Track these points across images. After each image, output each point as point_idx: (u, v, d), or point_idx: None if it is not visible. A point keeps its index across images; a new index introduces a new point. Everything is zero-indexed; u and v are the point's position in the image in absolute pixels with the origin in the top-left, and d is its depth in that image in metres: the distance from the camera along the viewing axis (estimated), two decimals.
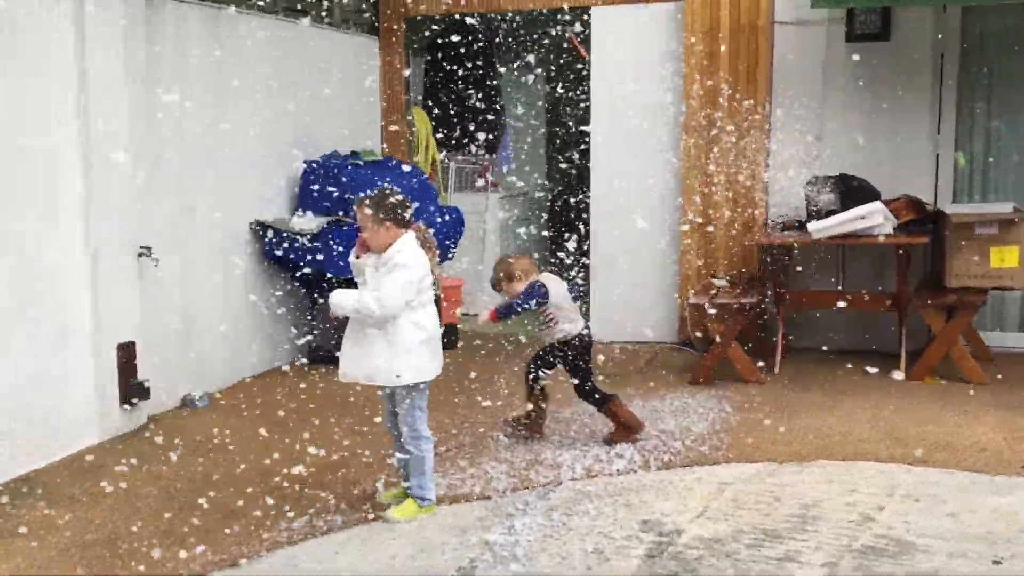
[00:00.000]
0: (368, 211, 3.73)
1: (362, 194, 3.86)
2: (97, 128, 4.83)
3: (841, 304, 6.36)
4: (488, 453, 4.67)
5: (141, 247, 5.18)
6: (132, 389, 5.08)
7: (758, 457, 4.52)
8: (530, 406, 4.87)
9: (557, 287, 4.72)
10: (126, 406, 5.07)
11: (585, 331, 4.75)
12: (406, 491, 3.97)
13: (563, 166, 9.57)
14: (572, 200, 9.25)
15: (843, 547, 3.51)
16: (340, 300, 3.77)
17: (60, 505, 4.09)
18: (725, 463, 4.46)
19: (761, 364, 6.05)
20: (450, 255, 7.08)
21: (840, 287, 6.55)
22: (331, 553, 3.59)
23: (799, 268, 6.43)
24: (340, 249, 5.98)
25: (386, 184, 4.14)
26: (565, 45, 8.54)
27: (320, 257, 5.96)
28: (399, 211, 3.77)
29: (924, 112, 6.45)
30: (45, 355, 4.65)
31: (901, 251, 6.02)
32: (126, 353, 5.07)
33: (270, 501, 4.04)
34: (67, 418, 4.78)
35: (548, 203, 9.58)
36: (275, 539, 3.70)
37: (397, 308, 3.70)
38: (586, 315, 7.42)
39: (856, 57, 6.37)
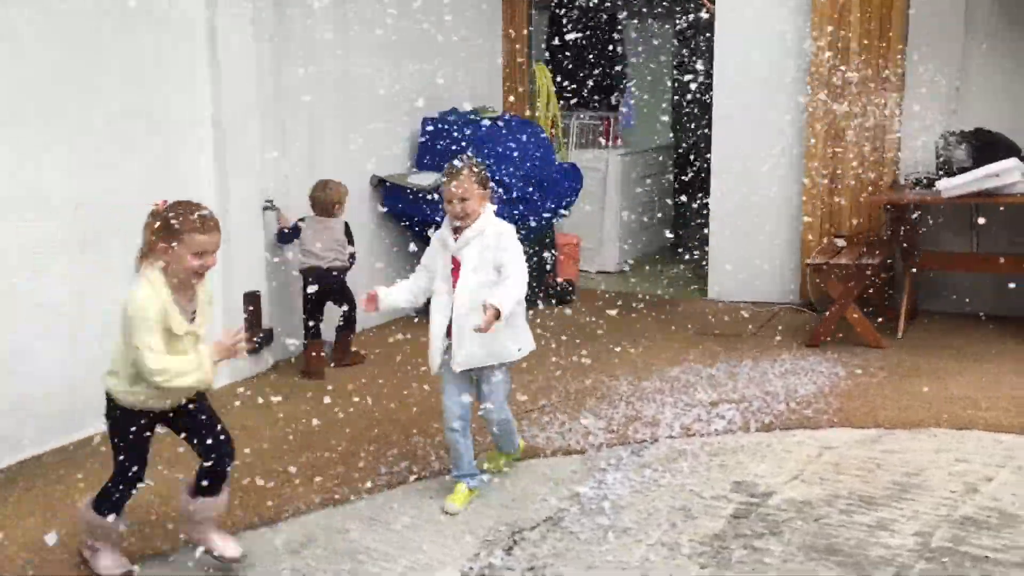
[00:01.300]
0: (472, 177, 3.60)
1: (457, 162, 3.67)
2: (227, 86, 5.08)
3: (973, 267, 6.06)
4: (589, 408, 4.72)
5: (266, 201, 5.44)
6: (258, 335, 5.38)
7: (866, 423, 4.40)
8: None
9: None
10: (253, 351, 5.38)
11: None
12: (503, 452, 3.99)
13: (688, 122, 9.40)
14: (697, 157, 9.09)
15: (941, 517, 3.40)
16: (509, 304, 3.47)
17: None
18: (829, 427, 4.36)
19: (885, 328, 5.84)
20: (566, 211, 7.11)
21: (974, 248, 6.22)
22: (426, 498, 3.74)
23: (929, 228, 6.13)
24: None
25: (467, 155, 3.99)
26: None
27: (434, 212, 6.10)
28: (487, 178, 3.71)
29: None
30: None
31: None
32: (252, 301, 5.36)
33: (375, 446, 4.23)
34: None
35: (672, 159, 9.43)
36: (376, 482, 3.89)
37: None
38: (703, 273, 7.38)
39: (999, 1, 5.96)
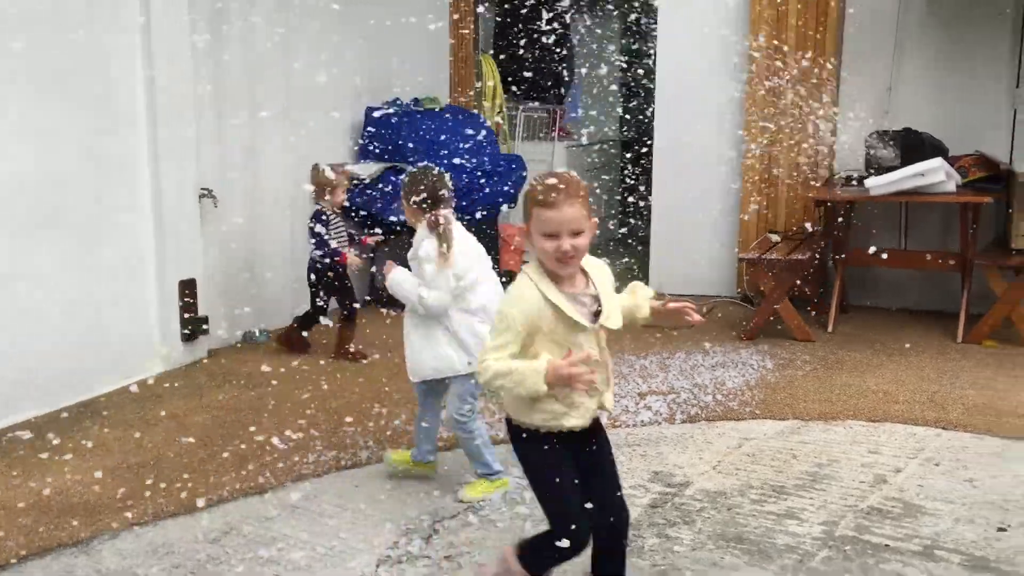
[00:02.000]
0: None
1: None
2: (161, 73, 5.06)
3: (901, 263, 6.23)
4: None
5: (202, 189, 5.43)
6: (192, 323, 5.38)
7: (786, 414, 4.51)
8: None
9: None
10: (187, 340, 5.37)
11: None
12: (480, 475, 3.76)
13: (635, 116, 9.49)
14: (643, 150, 9.19)
15: (847, 507, 3.51)
16: (399, 284, 3.60)
17: (114, 428, 4.40)
18: (751, 419, 4.47)
19: (817, 322, 5.98)
20: (512, 203, 7.16)
21: (902, 245, 6.38)
22: (351, 487, 3.78)
23: (859, 224, 6.28)
24: (397, 194, 6.14)
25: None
26: None
27: (375, 202, 6.13)
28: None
29: (1003, 65, 6.16)
30: (112, 290, 4.95)
31: (967, 210, 5.83)
32: (187, 289, 5.35)
33: (305, 435, 4.26)
34: (131, 349, 5.10)
35: (619, 152, 9.52)
36: (301, 472, 3.92)
37: (443, 305, 3.55)
38: (645, 265, 7.47)
39: (933, 4, 6.11)
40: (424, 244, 3.56)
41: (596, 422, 2.63)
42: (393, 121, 6.51)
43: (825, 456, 3.99)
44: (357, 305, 5.55)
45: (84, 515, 3.51)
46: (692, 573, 3.07)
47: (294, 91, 6.07)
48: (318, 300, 5.51)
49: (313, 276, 5.48)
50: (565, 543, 2.47)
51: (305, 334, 5.54)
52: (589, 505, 2.54)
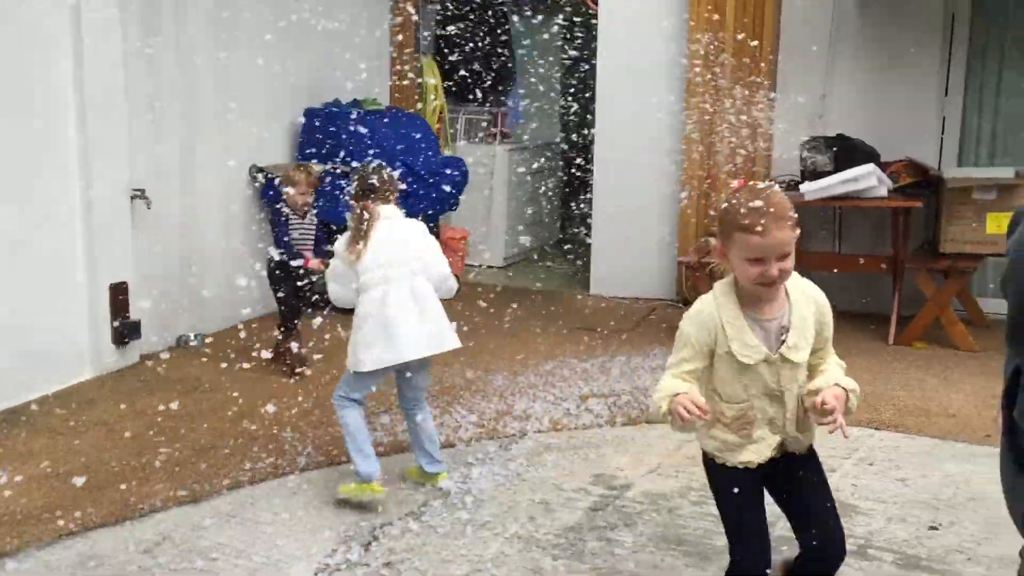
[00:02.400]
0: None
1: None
2: (92, 69, 4.93)
3: (835, 266, 6.34)
4: (462, 403, 4.76)
5: (135, 190, 5.30)
6: (124, 328, 5.25)
7: None
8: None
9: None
10: (119, 344, 5.24)
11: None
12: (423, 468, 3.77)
13: (576, 118, 9.53)
14: (583, 153, 9.23)
15: None
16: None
17: (44, 436, 4.27)
18: None
19: None
20: (453, 206, 7.13)
21: (836, 249, 6.51)
22: (288, 494, 3.72)
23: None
24: (338, 196, 6.08)
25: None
26: None
27: (318, 204, 6.04)
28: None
29: (932, 73, 6.32)
30: (40, 293, 4.81)
31: (898, 214, 5.96)
32: (119, 293, 5.22)
33: (241, 441, 4.18)
34: (61, 354, 4.96)
35: (560, 155, 9.56)
36: (238, 478, 3.84)
37: (341, 297, 3.72)
38: (587, 269, 7.51)
39: (865, 14, 6.25)
40: (340, 237, 3.63)
41: (803, 455, 2.46)
42: (333, 122, 6.44)
43: None
44: (298, 321, 5.31)
45: (10, 526, 3.39)
46: None
47: (231, 91, 5.96)
48: (283, 307, 5.29)
49: (272, 280, 5.31)
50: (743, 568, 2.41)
51: (295, 347, 5.17)
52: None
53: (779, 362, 2.33)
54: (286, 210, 5.23)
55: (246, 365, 5.26)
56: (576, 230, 9.09)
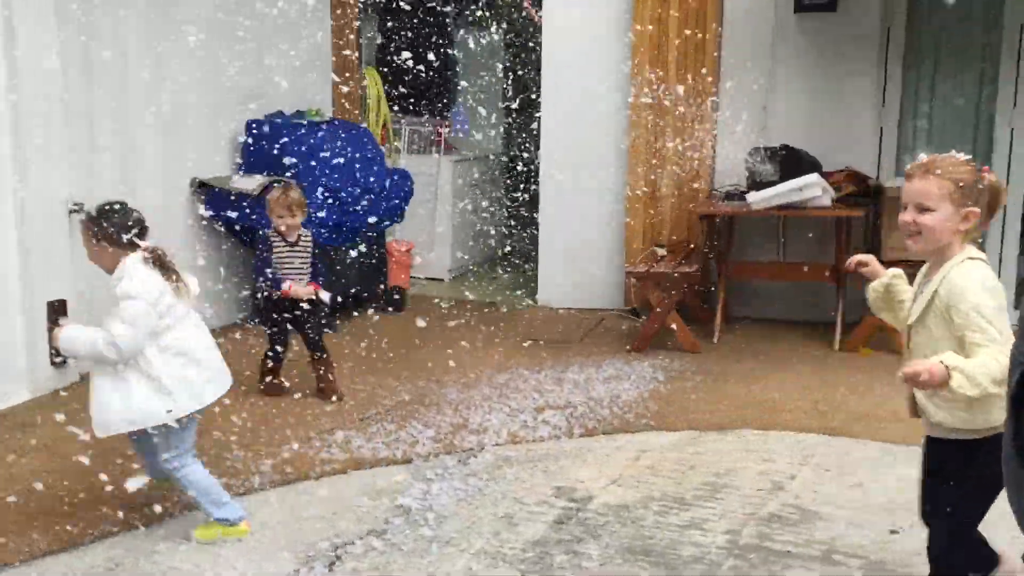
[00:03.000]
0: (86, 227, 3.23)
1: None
2: (27, 79, 4.76)
3: (780, 275, 6.44)
4: (417, 417, 4.69)
5: (73, 204, 5.12)
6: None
7: (681, 425, 4.58)
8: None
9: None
10: (57, 364, 5.05)
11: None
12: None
13: (520, 130, 9.54)
14: (528, 164, 9.24)
15: (748, 515, 3.57)
16: (73, 341, 3.23)
17: None
18: (648, 431, 4.51)
19: (701, 333, 6.11)
20: (398, 217, 7.06)
21: (781, 258, 6.60)
22: (245, 512, 3.60)
23: (741, 238, 6.47)
24: None
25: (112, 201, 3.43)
26: (523, 4, 8.48)
27: (259, 218, 5.93)
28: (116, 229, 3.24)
29: (869, 84, 6.47)
30: None
31: (841, 223, 6.07)
32: (57, 310, 5.03)
33: None
34: None
35: (504, 166, 9.55)
36: (188, 502, 3.71)
37: (137, 346, 3.17)
38: (535, 279, 7.50)
39: (804, 27, 6.37)
40: (123, 282, 3.21)
41: (945, 441, 2.58)
42: (276, 133, 6.32)
43: (722, 466, 4.06)
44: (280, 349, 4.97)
45: None
46: None
47: (171, 102, 5.82)
48: (269, 334, 4.99)
49: (260, 309, 5.07)
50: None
51: (270, 378, 4.96)
52: None
53: (913, 326, 2.55)
54: (272, 235, 4.89)
55: None
56: (520, 241, 9.10)
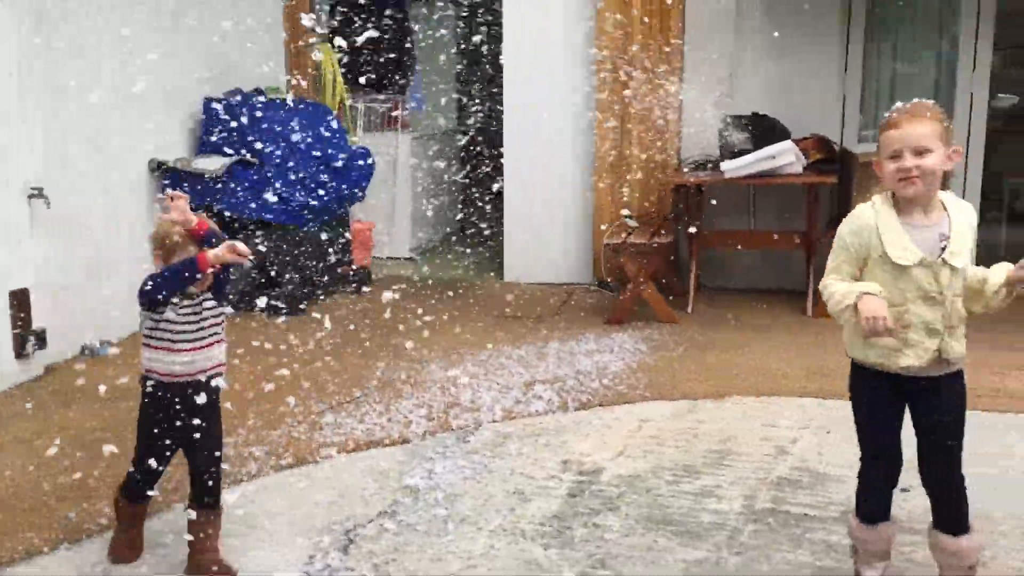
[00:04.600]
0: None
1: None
2: None
3: (751, 243, 6.47)
4: (406, 397, 4.59)
5: (32, 188, 4.87)
6: (26, 338, 4.83)
7: (676, 395, 4.56)
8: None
9: None
10: (20, 355, 4.82)
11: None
12: None
13: (478, 106, 9.42)
14: (487, 140, 9.14)
15: (759, 480, 3.57)
16: None
17: None
18: (643, 402, 4.49)
19: (675, 304, 6.11)
20: (361, 197, 6.91)
21: (751, 226, 6.64)
22: (246, 503, 3.48)
23: (711, 207, 6.48)
24: (245, 189, 5.80)
25: None
26: None
27: (222, 199, 5.74)
28: None
29: (832, 52, 6.52)
30: None
31: (811, 190, 6.12)
32: (19, 300, 4.80)
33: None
34: None
35: (463, 143, 9.43)
36: (185, 490, 3.56)
37: None
38: (499, 255, 7.43)
39: None
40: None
41: (949, 381, 2.57)
42: (237, 112, 6.11)
43: (725, 433, 4.05)
44: None
45: None
46: (630, 559, 3.02)
47: (128, 83, 5.56)
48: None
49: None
50: (867, 475, 2.73)
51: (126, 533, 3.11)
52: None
53: (939, 266, 2.45)
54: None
55: None
56: (483, 218, 9.00)
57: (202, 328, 2.88)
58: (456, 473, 3.70)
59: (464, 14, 9.32)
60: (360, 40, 7.62)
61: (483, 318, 6.08)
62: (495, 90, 7.16)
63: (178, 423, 2.87)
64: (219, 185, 5.87)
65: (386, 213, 8.01)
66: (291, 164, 6.07)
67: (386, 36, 8.10)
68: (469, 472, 3.72)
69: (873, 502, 2.75)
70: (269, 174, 6.00)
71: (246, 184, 5.89)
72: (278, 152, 6.06)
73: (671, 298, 6.23)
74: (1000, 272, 2.48)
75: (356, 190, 6.71)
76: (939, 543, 2.71)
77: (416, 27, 9.00)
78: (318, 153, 6.27)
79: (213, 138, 6.14)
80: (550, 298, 6.63)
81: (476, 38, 9.23)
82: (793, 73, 6.54)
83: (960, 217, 2.52)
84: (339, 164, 6.40)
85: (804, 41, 6.48)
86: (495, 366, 5.08)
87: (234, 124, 6.08)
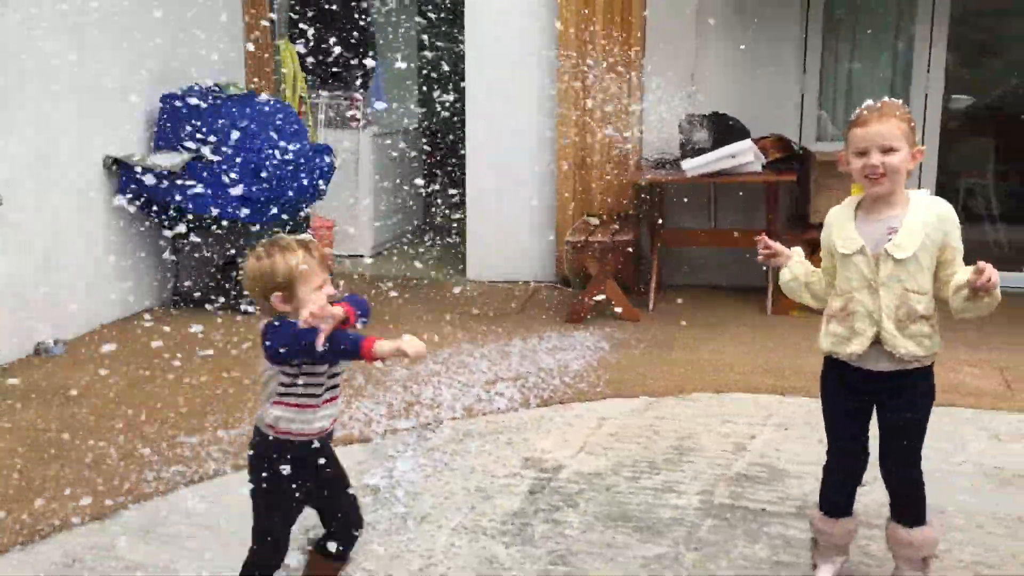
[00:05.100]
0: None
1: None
2: None
3: (712, 241, 6.51)
4: (366, 395, 4.57)
5: None
6: None
7: (636, 392, 4.58)
8: None
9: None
10: None
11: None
12: None
13: (439, 102, 9.39)
14: (449, 137, 9.11)
15: (718, 476, 3.60)
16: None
17: None
18: (603, 399, 4.50)
19: (636, 302, 6.14)
20: (322, 194, 6.85)
21: (712, 224, 6.68)
22: (203, 503, 3.44)
23: (672, 206, 6.52)
24: (202, 186, 5.73)
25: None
26: None
27: (180, 195, 5.67)
28: None
29: (791, 53, 6.59)
30: None
31: (771, 188, 6.17)
32: None
33: (138, 451, 3.84)
34: None
35: (425, 140, 9.40)
36: (143, 490, 3.52)
37: None
38: (462, 253, 7.41)
39: None
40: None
41: (912, 381, 2.59)
42: (195, 108, 6.03)
43: (684, 430, 4.08)
44: None
45: None
46: (590, 556, 3.03)
47: (82, 77, 5.47)
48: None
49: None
50: (829, 468, 2.83)
51: None
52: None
53: (882, 256, 2.51)
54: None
55: (114, 370, 4.87)
56: (444, 216, 8.98)
57: (336, 374, 2.56)
58: (417, 471, 3.69)
59: (427, 10, 9.29)
60: (318, 35, 7.57)
61: (445, 316, 6.06)
62: (458, 87, 7.14)
63: (314, 481, 2.54)
64: (177, 181, 5.79)
65: (347, 210, 7.95)
66: (250, 160, 6.00)
67: (346, 31, 8.04)
68: (430, 470, 3.71)
69: (834, 495, 2.81)
70: (227, 170, 5.93)
71: (204, 180, 5.81)
72: (237, 148, 5.98)
73: (632, 296, 6.26)
74: (965, 273, 2.50)
75: (317, 187, 6.65)
76: (896, 535, 2.76)
77: (377, 22, 8.96)
78: (277, 150, 6.20)
79: (170, 134, 6.06)
80: (512, 296, 6.63)
81: (438, 34, 9.20)
82: (753, 73, 6.59)
83: (918, 214, 2.54)
84: (300, 161, 6.33)
85: (764, 40, 6.54)
86: (457, 364, 5.06)
87: (191, 120, 6.00)
